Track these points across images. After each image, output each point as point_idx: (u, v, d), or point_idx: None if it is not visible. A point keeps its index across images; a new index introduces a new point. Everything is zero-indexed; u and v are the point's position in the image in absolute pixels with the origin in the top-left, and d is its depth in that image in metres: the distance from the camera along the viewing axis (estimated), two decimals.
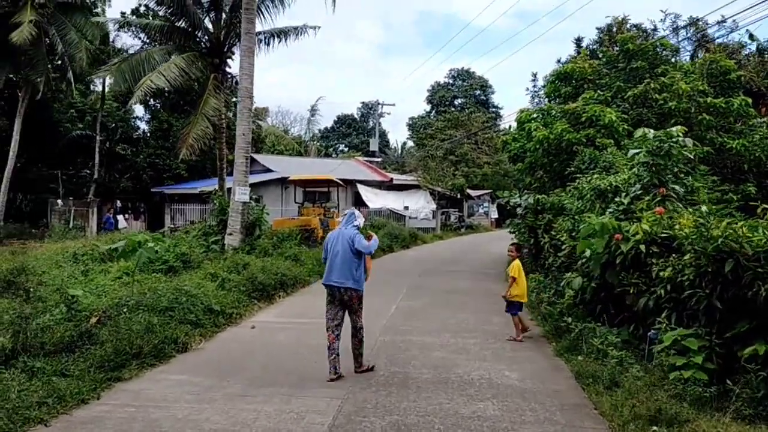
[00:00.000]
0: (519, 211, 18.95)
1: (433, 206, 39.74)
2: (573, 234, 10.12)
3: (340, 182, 23.10)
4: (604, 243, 8.20)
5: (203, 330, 8.70)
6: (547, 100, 16.56)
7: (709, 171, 10.87)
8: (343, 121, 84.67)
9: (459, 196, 44.64)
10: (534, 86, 35.88)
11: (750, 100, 12.82)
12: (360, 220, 7.30)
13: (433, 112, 72.31)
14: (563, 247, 10.99)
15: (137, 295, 9.06)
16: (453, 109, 67.12)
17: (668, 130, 9.02)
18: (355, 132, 79.88)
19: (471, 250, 25.47)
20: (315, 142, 51.73)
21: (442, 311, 11.19)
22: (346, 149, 72.01)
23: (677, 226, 7.96)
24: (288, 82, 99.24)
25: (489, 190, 49.81)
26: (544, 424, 5.48)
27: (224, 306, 9.81)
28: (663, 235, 7.78)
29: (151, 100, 37.85)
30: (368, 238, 7.25)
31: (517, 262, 9.31)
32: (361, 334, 7.09)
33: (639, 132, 9.10)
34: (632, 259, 8.06)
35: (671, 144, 8.91)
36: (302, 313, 10.81)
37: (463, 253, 24.31)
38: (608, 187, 9.95)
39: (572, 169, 12.23)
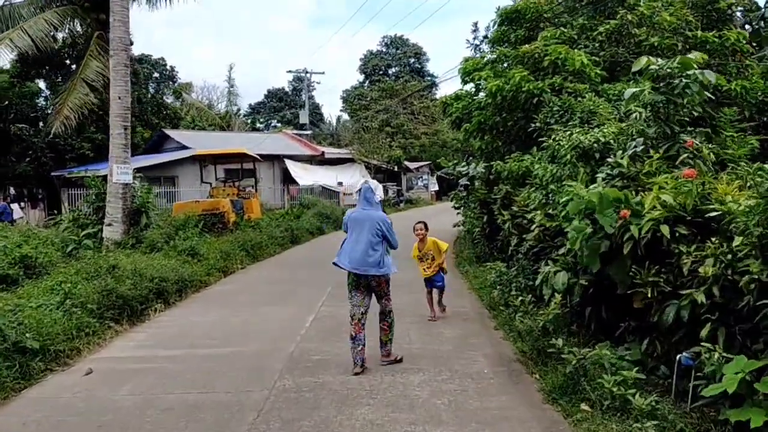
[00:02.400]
0: (462, 182, 16.31)
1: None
2: (550, 211, 7.40)
3: (256, 156, 19.75)
4: (611, 222, 5.48)
5: None
6: (492, 49, 13.67)
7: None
8: (274, 95, 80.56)
9: (396, 168, 41.88)
10: (475, 37, 33.04)
11: (747, 34, 10.37)
12: (379, 192, 6.03)
13: (367, 82, 69.12)
14: (532, 227, 8.28)
15: None
16: (387, 78, 64.12)
17: (684, 57, 6.30)
18: (287, 106, 75.78)
19: (412, 228, 22.53)
20: (239, 116, 47.61)
21: (375, 320, 8.35)
22: (278, 125, 68.08)
23: (715, 196, 5.32)
24: (218, 59, 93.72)
25: (428, 162, 47.32)
26: None
27: (50, 339, 6.57)
28: (704, 208, 5.12)
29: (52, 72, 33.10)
30: None
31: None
32: (391, 317, 6.51)
33: (640, 62, 6.36)
34: (647, 246, 5.39)
35: (686, 79, 6.21)
36: (179, 337, 7.69)
37: (403, 232, 21.32)
38: (594, 144, 7.22)
39: (537, 124, 9.47)
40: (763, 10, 12.75)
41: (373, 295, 6.40)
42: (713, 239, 4.94)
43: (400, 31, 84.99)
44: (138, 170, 30.51)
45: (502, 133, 11.16)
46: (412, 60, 70.27)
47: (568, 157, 7.38)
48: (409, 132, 49.35)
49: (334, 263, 6.38)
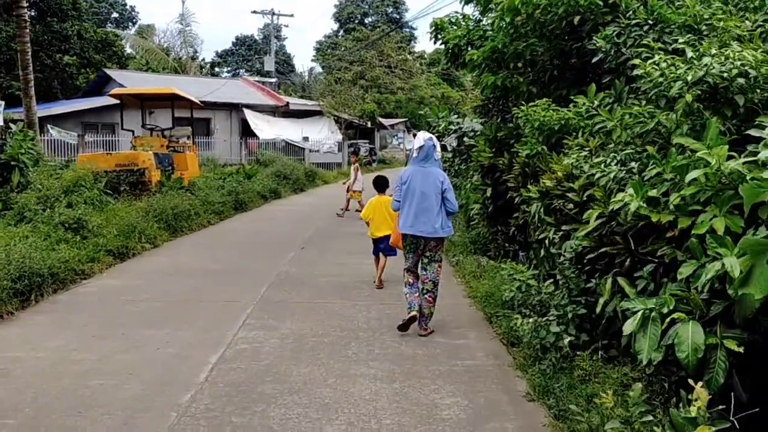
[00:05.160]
0: (449, 141, 12.85)
1: (339, 137, 33.05)
2: (652, 193, 3.99)
3: (192, 99, 15.76)
4: None
5: None
6: None
7: None
8: (242, 42, 75.73)
9: (370, 125, 38.14)
10: None
11: None
12: (439, 149, 5.98)
13: (342, 31, 64.53)
14: (583, 216, 4.93)
15: None
16: (363, 27, 59.64)
17: None
18: (256, 55, 70.95)
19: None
20: (197, 60, 43.03)
21: (322, 345, 5.05)
22: (246, 74, 63.29)
23: None
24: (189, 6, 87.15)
25: (404, 119, 43.66)
26: None
27: None
28: None
29: None
30: None
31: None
32: (437, 289, 5.90)
33: None
34: None
35: None
36: None
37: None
38: (737, 79, 3.83)
39: (600, 45, 5.98)
40: None
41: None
42: None
43: None
44: (71, 115, 26.70)
45: (527, 66, 7.65)
46: (390, 9, 65.77)
47: (687, 99, 3.95)
48: (384, 86, 45.49)
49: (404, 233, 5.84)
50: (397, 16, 65.05)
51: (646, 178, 4.23)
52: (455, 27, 9.61)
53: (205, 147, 27.97)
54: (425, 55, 60.24)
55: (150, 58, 40.05)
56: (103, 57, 36.06)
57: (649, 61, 4.50)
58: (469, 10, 9.73)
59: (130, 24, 67.72)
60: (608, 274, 4.80)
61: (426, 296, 5.81)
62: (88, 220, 9.01)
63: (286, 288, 7.42)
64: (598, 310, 4.64)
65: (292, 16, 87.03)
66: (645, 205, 3.83)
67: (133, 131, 15.42)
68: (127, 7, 69.67)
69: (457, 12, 9.97)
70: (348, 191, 14.63)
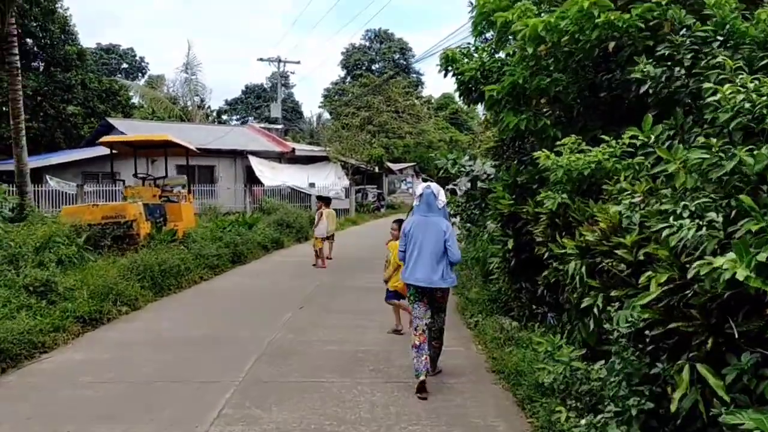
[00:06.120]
0: (460, 185, 11.93)
1: (346, 182, 32.21)
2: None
3: (188, 145, 14.87)
4: None
5: None
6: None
7: None
8: (251, 91, 76.43)
9: (377, 170, 37.36)
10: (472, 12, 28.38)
11: None
12: (442, 196, 5.84)
13: (349, 77, 64.71)
14: (639, 280, 3.88)
15: None
16: (370, 74, 59.70)
17: None
18: (265, 103, 71.44)
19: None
20: (202, 109, 42.80)
21: None
22: (254, 122, 63.35)
23: None
24: (198, 55, 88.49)
25: (412, 163, 42.93)
26: None
27: None
28: None
29: None
30: None
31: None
32: (443, 337, 6.03)
33: None
34: None
35: None
36: None
37: (381, 247, 16.74)
38: None
39: (645, 71, 5.00)
40: None
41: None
42: None
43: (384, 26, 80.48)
44: (71, 165, 26.05)
45: (551, 104, 6.68)
46: (397, 56, 66.09)
47: None
48: (392, 131, 45.01)
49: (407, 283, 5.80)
50: (404, 62, 65.27)
51: (737, 237, 3.18)
52: (467, 60, 8.71)
53: (208, 195, 27.21)
54: (432, 100, 60.13)
55: (156, 107, 39.82)
56: (107, 106, 35.82)
57: (727, 85, 3.49)
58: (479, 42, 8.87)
59: (140, 75, 68.33)
60: (681, 358, 3.72)
61: (433, 343, 5.83)
62: (58, 281, 8.00)
63: (277, 362, 6.31)
64: (673, 408, 3.53)
65: (298, 63, 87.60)
66: (754, 274, 2.75)
67: (123, 181, 14.55)
68: (137, 58, 70.50)
69: (469, 44, 9.10)
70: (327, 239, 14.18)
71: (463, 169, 11.44)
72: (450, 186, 13.75)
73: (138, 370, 6.03)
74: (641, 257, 4.22)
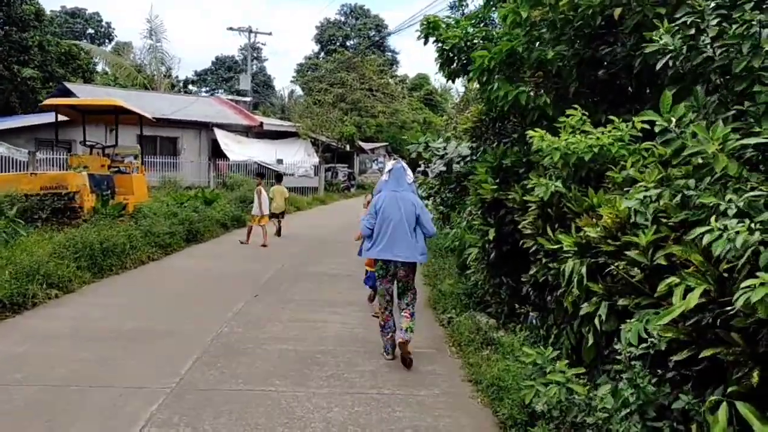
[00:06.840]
0: (434, 168, 11.14)
1: (316, 160, 31.17)
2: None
3: (139, 112, 13.67)
4: None
5: None
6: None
7: None
8: (222, 62, 74.37)
9: (348, 148, 36.39)
10: None
11: None
12: (410, 173, 5.87)
13: (322, 53, 63.19)
14: (659, 286, 3.13)
15: None
16: (345, 50, 58.30)
17: None
18: (236, 75, 69.56)
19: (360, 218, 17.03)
20: (168, 78, 41.04)
21: None
22: (223, 94, 61.31)
23: None
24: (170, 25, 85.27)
25: (385, 143, 42.02)
26: None
27: None
28: None
29: None
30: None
31: None
32: (414, 304, 5.78)
33: None
34: None
35: None
36: None
37: (349, 229, 15.89)
38: None
39: (662, 42, 4.18)
40: None
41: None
42: None
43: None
44: (24, 130, 24.44)
45: (548, 78, 5.83)
46: (372, 33, 64.74)
47: None
48: (365, 110, 43.94)
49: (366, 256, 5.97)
50: (380, 40, 64.02)
51: None
52: (451, 28, 7.83)
53: (171, 168, 25.89)
54: (407, 80, 59.09)
55: (120, 74, 38.03)
56: (66, 71, 33.99)
57: None
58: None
59: (107, 41, 65.57)
60: (715, 392, 3.00)
61: (403, 313, 5.65)
62: None
63: (220, 363, 5.43)
64: None
65: (270, 34, 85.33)
66: None
67: (70, 149, 13.36)
68: (103, 23, 67.68)
69: (449, 16, 8.23)
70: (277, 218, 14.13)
71: (437, 153, 10.68)
72: (422, 168, 12.96)
73: (52, 371, 5.08)
74: (660, 261, 3.46)
